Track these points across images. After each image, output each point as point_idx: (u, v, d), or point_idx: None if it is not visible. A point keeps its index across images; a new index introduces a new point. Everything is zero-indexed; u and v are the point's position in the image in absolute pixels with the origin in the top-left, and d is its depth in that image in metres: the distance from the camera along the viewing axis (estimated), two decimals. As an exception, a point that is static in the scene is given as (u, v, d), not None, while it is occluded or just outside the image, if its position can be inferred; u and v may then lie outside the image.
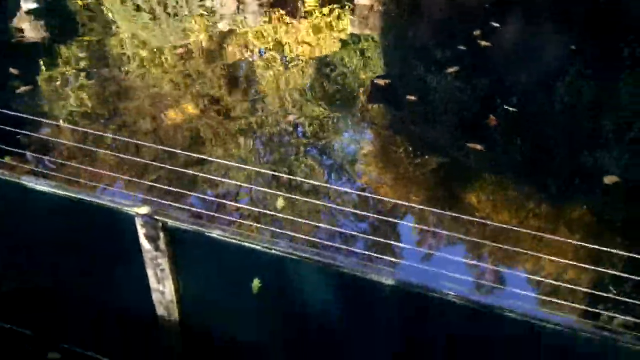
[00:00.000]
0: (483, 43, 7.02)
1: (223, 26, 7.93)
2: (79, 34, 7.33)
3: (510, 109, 5.66)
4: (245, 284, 2.46)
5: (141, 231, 2.46)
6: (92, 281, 2.81)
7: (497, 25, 7.55)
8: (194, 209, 3.81)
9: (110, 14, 8.09)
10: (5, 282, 3.10)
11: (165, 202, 3.22)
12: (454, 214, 4.17)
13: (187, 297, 2.63)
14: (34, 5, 7.69)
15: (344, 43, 7.50)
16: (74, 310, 2.95)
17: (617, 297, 2.95)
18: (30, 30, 7.47)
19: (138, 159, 4.55)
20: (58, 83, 6.25)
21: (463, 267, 4.00)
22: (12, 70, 6.17)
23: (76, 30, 7.49)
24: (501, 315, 2.05)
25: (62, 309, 2.98)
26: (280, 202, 4.24)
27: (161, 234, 2.44)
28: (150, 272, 2.58)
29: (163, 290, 2.62)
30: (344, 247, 3.91)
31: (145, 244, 2.49)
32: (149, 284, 2.62)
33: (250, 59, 7.02)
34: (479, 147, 5.11)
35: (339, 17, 8.40)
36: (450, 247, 4.39)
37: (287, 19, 8.17)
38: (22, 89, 5.91)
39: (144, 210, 2.43)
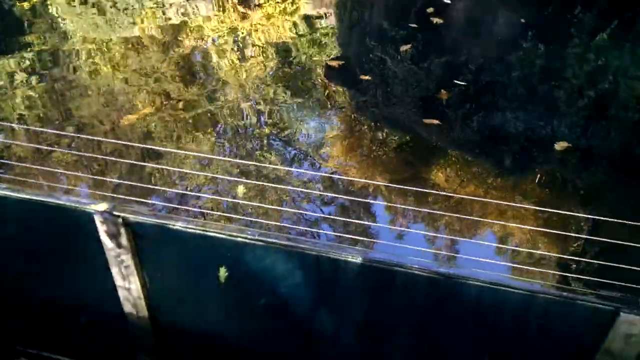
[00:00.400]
0: (435, 20, 7.11)
1: (174, 17, 7.78)
2: (26, 34, 7.09)
3: (461, 83, 5.76)
4: (211, 274, 2.45)
5: (101, 228, 2.41)
6: (56, 283, 2.75)
7: (448, 2, 7.64)
8: (155, 203, 3.77)
9: (57, 13, 7.83)
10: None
11: (126, 197, 3.16)
12: (417, 189, 4.25)
13: (154, 292, 2.60)
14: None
15: (296, 26, 7.47)
16: (39, 313, 2.88)
17: (573, 258, 3.06)
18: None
19: (96, 156, 4.45)
20: (5, 84, 6.04)
21: (427, 239, 4.11)
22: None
23: (23, 30, 7.23)
24: (463, 284, 2.11)
25: (27, 313, 2.91)
26: (241, 190, 4.22)
27: (122, 230, 2.39)
28: (114, 270, 2.54)
29: (129, 287, 2.59)
30: (312, 230, 3.94)
31: (106, 241, 2.45)
32: (114, 281, 2.58)
33: (203, 49, 6.92)
34: (435, 121, 5.20)
35: (292, 2, 8.35)
36: (416, 222, 4.48)
37: (240, 6, 8.08)
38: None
39: (103, 206, 2.38)
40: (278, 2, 8.21)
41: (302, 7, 8.15)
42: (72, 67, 6.43)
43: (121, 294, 2.63)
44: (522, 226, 4.03)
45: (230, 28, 7.42)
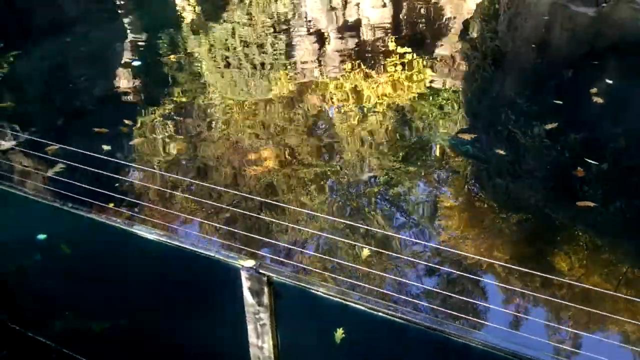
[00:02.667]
0: (595, 99, 6.77)
1: (304, 78, 8.15)
2: (169, 87, 7.73)
3: (594, 162, 5.45)
4: (346, 345, 2.42)
5: (245, 284, 2.48)
6: (188, 330, 2.84)
7: (610, 82, 7.28)
8: (296, 263, 3.81)
9: (199, 69, 8.49)
10: (102, 324, 3.18)
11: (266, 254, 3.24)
12: (540, 274, 4.00)
13: (285, 354, 2.60)
14: (138, 63, 8.29)
15: (424, 95, 7.52)
16: (168, 357, 2.98)
17: None
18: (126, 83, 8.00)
19: (234, 209, 4.63)
20: (151, 132, 6.58)
21: (547, 329, 3.83)
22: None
23: (167, 83, 7.90)
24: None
25: (157, 354, 3.02)
26: (365, 253, 4.21)
27: (265, 289, 2.44)
28: (250, 326, 2.58)
29: (262, 345, 2.61)
30: (420, 303, 3.82)
31: (248, 297, 2.50)
32: (248, 338, 2.62)
33: (329, 110, 7.15)
34: (588, 204, 4.89)
35: (419, 70, 8.47)
36: (530, 307, 4.20)
37: (367, 71, 8.32)
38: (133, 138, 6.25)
39: (250, 263, 2.45)
40: (404, 70, 8.38)
41: (428, 77, 8.25)
42: (206, 119, 6.88)
43: (252, 351, 2.65)
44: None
45: (356, 91, 7.64)
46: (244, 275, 2.46)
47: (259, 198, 4.83)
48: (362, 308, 2.27)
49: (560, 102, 6.65)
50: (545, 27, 8.98)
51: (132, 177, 5.38)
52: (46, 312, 3.49)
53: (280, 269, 2.46)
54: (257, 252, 3.95)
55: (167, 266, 2.73)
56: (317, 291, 2.35)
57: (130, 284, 2.89)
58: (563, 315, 4.03)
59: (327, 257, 4.08)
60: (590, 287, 4.04)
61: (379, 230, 4.65)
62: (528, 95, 7.17)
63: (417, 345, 2.25)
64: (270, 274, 2.42)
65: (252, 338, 2.62)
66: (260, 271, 2.42)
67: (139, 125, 6.57)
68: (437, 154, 6.07)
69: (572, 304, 3.82)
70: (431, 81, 7.82)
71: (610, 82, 7.22)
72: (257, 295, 2.48)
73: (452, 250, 4.56)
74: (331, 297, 2.33)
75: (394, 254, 4.44)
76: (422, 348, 2.25)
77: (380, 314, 2.24)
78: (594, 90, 6.95)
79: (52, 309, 3.50)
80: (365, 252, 4.21)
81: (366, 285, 3.72)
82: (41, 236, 3.29)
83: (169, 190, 4.79)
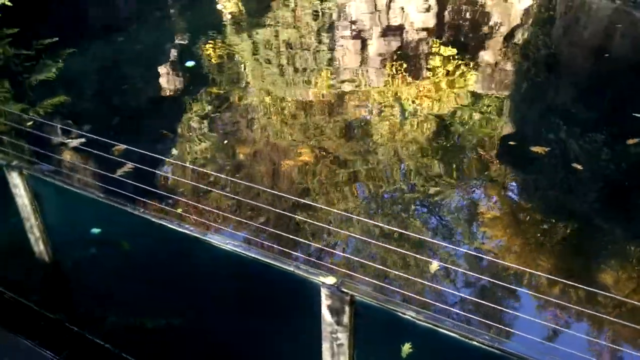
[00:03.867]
0: None
1: (345, 81, 8.04)
2: (211, 86, 7.74)
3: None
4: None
5: (325, 302, 2.37)
6: (258, 341, 2.76)
7: None
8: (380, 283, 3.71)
9: (242, 68, 8.48)
10: (166, 329, 3.13)
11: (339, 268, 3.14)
12: (577, 285, 3.83)
13: (360, 376, 2.48)
14: (192, 63, 8.32)
15: (467, 101, 7.31)
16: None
17: None
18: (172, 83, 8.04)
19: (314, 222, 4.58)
20: (192, 131, 6.59)
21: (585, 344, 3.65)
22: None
23: (208, 82, 7.91)
24: None
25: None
26: (434, 267, 4.08)
27: (346, 308, 2.33)
28: (325, 345, 2.47)
29: (336, 364, 2.50)
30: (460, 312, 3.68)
31: (327, 315, 2.39)
32: (322, 356, 2.51)
33: (370, 114, 7.02)
34: None
35: (463, 74, 8.25)
36: (574, 322, 4.02)
37: (409, 75, 8.15)
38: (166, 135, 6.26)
39: (331, 280, 2.34)
40: (448, 75, 8.18)
41: (472, 84, 8.03)
42: (246, 117, 6.86)
43: (325, 370, 2.54)
44: None
45: (397, 96, 7.49)
46: (324, 292, 2.35)
47: (328, 208, 4.75)
48: (455, 335, 2.13)
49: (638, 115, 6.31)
50: (606, 33, 8.64)
51: (200, 182, 5.37)
52: (109, 314, 3.46)
53: (364, 288, 2.34)
54: (334, 267, 3.87)
55: (241, 277, 2.65)
56: (405, 314, 2.22)
57: (201, 292, 2.81)
58: (607, 330, 3.86)
59: (395, 271, 3.96)
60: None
61: (442, 244, 4.50)
62: (599, 106, 6.86)
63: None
64: (353, 293, 2.30)
65: (326, 357, 2.50)
66: (343, 289, 2.31)
67: (202, 129, 6.60)
68: (508, 164, 5.86)
69: (618, 320, 3.64)
70: (479, 89, 7.61)
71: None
72: (337, 314, 2.36)
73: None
74: (419, 322, 2.19)
75: (460, 269, 4.29)
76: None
77: (474, 342, 2.10)
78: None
79: (113, 311, 3.47)
80: (434, 266, 4.08)
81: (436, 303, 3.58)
82: (95, 230, 3.26)
83: (241, 199, 4.75)
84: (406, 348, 2.31)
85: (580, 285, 3.87)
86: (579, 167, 5.43)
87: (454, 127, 6.57)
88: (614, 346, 3.67)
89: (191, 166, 5.63)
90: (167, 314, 3.08)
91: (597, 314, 3.74)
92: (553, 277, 4.10)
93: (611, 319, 3.74)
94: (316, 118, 6.79)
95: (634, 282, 4.32)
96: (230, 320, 2.79)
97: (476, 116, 6.88)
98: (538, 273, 4.18)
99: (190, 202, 4.94)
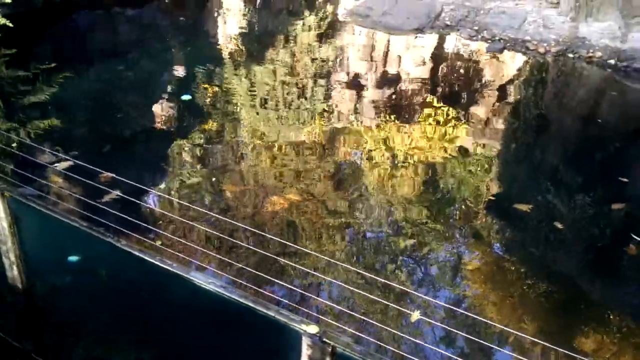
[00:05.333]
0: None
1: (338, 124, 8.11)
2: (205, 121, 7.75)
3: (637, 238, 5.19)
4: None
5: (306, 351, 2.29)
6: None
7: None
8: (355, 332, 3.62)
9: (236, 107, 8.52)
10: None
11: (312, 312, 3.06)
12: (559, 349, 3.77)
13: None
14: (187, 97, 8.34)
15: (455, 154, 7.39)
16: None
17: None
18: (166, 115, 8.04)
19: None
20: (181, 165, 6.55)
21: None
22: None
23: (202, 117, 7.92)
24: None
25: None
26: (415, 316, 4.02)
27: (327, 359, 2.25)
28: (303, 396, 2.38)
29: (312, 417, 2.39)
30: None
31: (306, 365, 2.31)
32: (299, 407, 2.41)
33: (358, 159, 7.05)
34: None
35: (453, 127, 8.36)
36: None
37: (401, 124, 8.24)
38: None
39: (313, 329, 2.27)
40: (438, 127, 8.28)
41: (462, 136, 8.12)
42: (237, 156, 6.85)
43: (300, 422, 2.44)
44: None
45: (386, 142, 7.55)
46: (305, 342, 2.28)
47: (311, 252, 4.68)
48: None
49: (626, 180, 6.38)
50: (596, 99, 8.85)
51: (185, 217, 5.30)
52: (77, 346, 3.32)
53: (345, 339, 2.27)
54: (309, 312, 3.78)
55: (219, 317, 2.56)
56: (385, 369, 2.15)
57: (176, 329, 2.71)
58: None
59: (376, 322, 3.87)
60: None
61: (425, 297, 4.44)
62: (586, 169, 6.95)
63: None
64: (335, 344, 2.23)
65: (303, 409, 2.40)
66: (325, 340, 2.24)
67: (191, 164, 6.57)
68: (491, 220, 5.87)
69: None
70: (468, 143, 7.71)
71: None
72: (317, 365, 2.28)
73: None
74: (401, 379, 2.12)
75: (439, 324, 4.22)
76: None
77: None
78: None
79: (82, 343, 3.33)
80: (415, 315, 4.01)
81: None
82: (73, 258, 3.17)
83: (226, 237, 4.69)
84: None
85: (560, 349, 3.81)
86: (560, 226, 5.45)
87: (441, 179, 6.61)
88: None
89: (177, 200, 5.56)
90: (138, 348, 2.97)
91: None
92: (532, 338, 4.05)
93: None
94: (305, 161, 6.79)
95: (612, 347, 4.27)
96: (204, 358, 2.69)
97: (463, 170, 6.93)
98: (516, 332, 4.13)
99: (173, 237, 4.85)
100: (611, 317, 4.54)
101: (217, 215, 5.21)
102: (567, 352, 3.79)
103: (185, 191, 5.97)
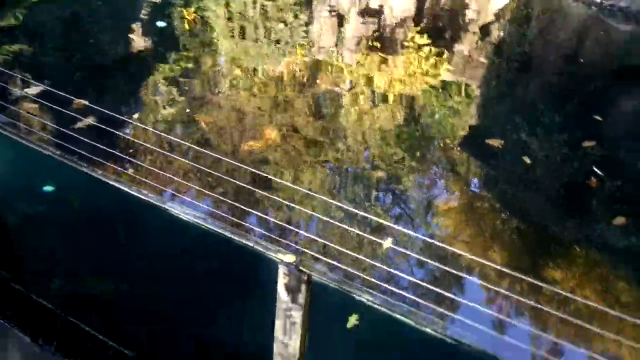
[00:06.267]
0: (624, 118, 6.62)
1: (318, 57, 7.95)
2: (181, 50, 7.51)
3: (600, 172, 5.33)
4: (378, 353, 2.30)
5: (282, 280, 2.33)
6: (213, 315, 2.71)
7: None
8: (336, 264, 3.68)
9: (214, 35, 8.26)
10: (111, 293, 3.04)
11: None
12: (521, 276, 3.93)
13: (310, 354, 2.47)
14: (163, 24, 8.04)
15: (441, 90, 7.34)
16: (186, 342, 2.84)
17: None
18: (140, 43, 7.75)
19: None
20: (154, 93, 6.41)
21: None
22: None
23: (178, 46, 7.67)
24: None
25: (174, 337, 2.88)
26: (386, 244, 4.11)
27: (303, 287, 2.30)
28: (278, 322, 2.44)
29: (287, 342, 2.47)
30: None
31: (282, 293, 2.36)
32: (274, 333, 2.48)
33: (339, 93, 6.98)
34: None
35: (435, 63, 8.28)
36: (515, 313, 4.14)
37: (383, 58, 8.12)
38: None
39: (290, 258, 2.30)
40: (420, 60, 8.18)
41: (443, 71, 8.06)
42: (215, 86, 6.70)
43: (276, 347, 2.52)
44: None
45: (367, 76, 7.46)
46: (281, 270, 2.31)
47: (289, 184, 4.68)
48: (408, 322, 2.13)
49: (601, 119, 6.48)
50: (580, 38, 8.78)
51: (161, 148, 5.22)
52: (54, 274, 3.34)
53: (321, 268, 2.31)
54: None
55: (197, 248, 2.58)
56: (360, 297, 2.20)
57: (154, 259, 2.73)
58: (550, 324, 3.98)
59: (353, 252, 3.94)
60: (579, 299, 3.98)
61: (399, 227, 4.52)
62: (564, 107, 7.00)
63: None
64: (311, 273, 2.27)
65: (278, 334, 2.48)
66: (301, 268, 2.28)
67: (167, 94, 6.40)
68: (457, 155, 5.93)
69: (561, 315, 3.76)
70: (449, 77, 7.65)
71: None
72: (293, 293, 2.33)
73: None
74: (375, 307, 2.18)
75: (414, 253, 4.34)
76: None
77: (427, 330, 2.10)
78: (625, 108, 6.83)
79: (60, 273, 3.35)
80: (387, 243, 4.11)
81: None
82: (48, 188, 3.13)
83: (204, 168, 4.64)
84: (352, 319, 2.28)
85: (528, 279, 3.96)
86: (529, 161, 5.57)
87: (420, 115, 6.61)
88: (559, 340, 3.78)
89: (153, 130, 5.47)
90: (117, 279, 2.99)
91: (542, 307, 3.84)
92: (500, 267, 4.18)
93: (556, 313, 3.85)
94: (285, 94, 6.69)
95: (576, 277, 4.45)
96: (182, 289, 2.72)
97: (442, 106, 6.92)
98: (488, 263, 4.27)
99: (148, 166, 4.80)
100: (576, 249, 4.69)
101: (194, 146, 5.16)
102: (533, 280, 3.95)
103: (161, 121, 5.87)
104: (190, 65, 7.08)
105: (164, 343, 2.91)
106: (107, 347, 3.05)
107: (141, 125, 5.62)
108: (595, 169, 5.41)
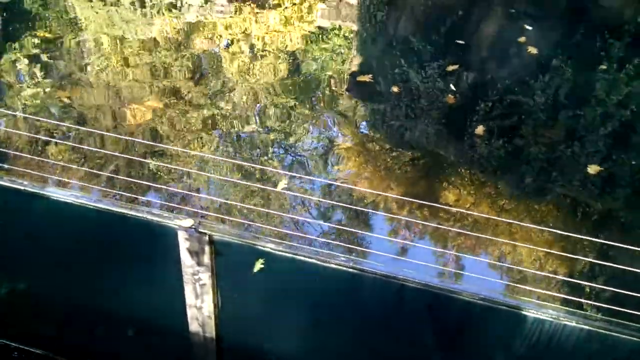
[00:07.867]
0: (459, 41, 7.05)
1: (190, 18, 7.66)
2: (38, 27, 6.90)
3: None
4: (292, 299, 2.38)
5: (183, 245, 2.31)
6: (121, 294, 2.63)
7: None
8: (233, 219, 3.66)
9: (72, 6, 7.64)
10: (28, 301, 2.85)
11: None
12: (422, 202, 4.26)
13: (225, 313, 2.50)
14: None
15: (315, 34, 7.40)
16: (97, 324, 2.75)
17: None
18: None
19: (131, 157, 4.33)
20: (18, 75, 5.89)
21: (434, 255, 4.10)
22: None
23: (35, 22, 7.04)
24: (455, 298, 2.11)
25: (84, 322, 2.78)
26: (281, 184, 4.17)
27: (206, 248, 2.29)
28: (188, 288, 2.43)
29: (200, 305, 2.48)
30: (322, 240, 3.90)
31: (186, 258, 2.34)
32: (185, 299, 2.47)
33: (216, 51, 6.82)
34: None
35: (309, 8, 8.28)
36: (419, 237, 4.46)
37: (256, 10, 7.98)
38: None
39: (188, 222, 2.28)
40: (294, 4, 8.15)
41: (318, 18, 8.09)
42: (78, 60, 6.29)
43: (190, 312, 2.52)
44: (526, 245, 4.02)
45: (245, 32, 7.33)
46: (181, 235, 2.29)
47: (178, 149, 4.54)
48: (313, 261, 2.21)
49: (462, 42, 6.89)
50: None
51: (34, 133, 4.82)
52: None
53: (222, 227, 2.32)
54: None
55: (87, 229, 2.47)
56: (265, 247, 2.25)
57: (47, 252, 2.58)
58: (451, 241, 4.32)
59: (250, 206, 3.97)
60: (473, 213, 4.37)
61: (296, 174, 4.60)
62: (431, 37, 7.33)
63: (369, 293, 2.25)
64: (212, 233, 2.27)
65: (190, 299, 2.47)
66: (200, 230, 2.26)
67: (30, 73, 5.86)
68: (333, 95, 6.08)
69: (459, 230, 4.12)
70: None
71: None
72: (197, 256, 2.32)
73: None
74: (280, 253, 2.24)
75: (305, 196, 4.44)
76: (374, 295, 2.26)
77: (331, 265, 2.20)
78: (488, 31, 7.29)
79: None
80: (281, 184, 4.20)
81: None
82: None
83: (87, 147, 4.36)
84: (258, 263, 2.31)
85: (426, 203, 4.24)
86: (396, 90, 5.90)
87: (301, 63, 6.65)
88: (460, 254, 4.09)
89: (23, 114, 5.04)
90: (10, 279, 2.81)
91: (443, 227, 4.14)
92: (401, 197, 4.42)
93: (457, 230, 4.16)
94: (161, 60, 6.40)
95: (469, 198, 4.80)
96: (86, 276, 2.61)
97: (320, 51, 7.00)
98: (385, 194, 4.48)
99: (25, 154, 4.46)
100: (461, 171, 5.04)
101: (72, 126, 4.84)
102: (432, 204, 4.22)
103: (30, 105, 5.41)
104: (51, 42, 6.53)
105: (78, 333, 2.81)
106: (11, 349, 2.89)
107: (8, 111, 5.15)
108: (452, 86, 5.85)
